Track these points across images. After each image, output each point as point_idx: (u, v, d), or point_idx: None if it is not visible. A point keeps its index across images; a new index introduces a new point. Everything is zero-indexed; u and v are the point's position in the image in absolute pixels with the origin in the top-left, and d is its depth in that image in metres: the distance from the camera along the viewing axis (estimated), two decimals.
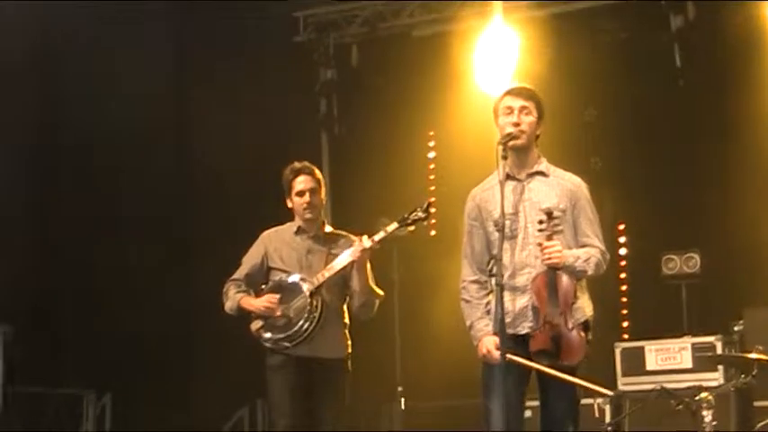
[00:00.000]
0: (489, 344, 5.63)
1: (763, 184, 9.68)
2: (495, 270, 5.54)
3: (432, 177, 11.37)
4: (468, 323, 5.81)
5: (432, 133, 11.40)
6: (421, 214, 6.72)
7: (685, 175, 10.17)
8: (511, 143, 5.69)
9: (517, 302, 5.65)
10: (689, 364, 8.83)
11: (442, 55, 10.91)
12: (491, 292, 5.69)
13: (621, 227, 10.28)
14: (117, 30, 10.14)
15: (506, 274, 5.61)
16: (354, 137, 11.60)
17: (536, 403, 5.75)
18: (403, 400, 9.97)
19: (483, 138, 9.22)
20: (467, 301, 5.83)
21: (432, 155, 11.44)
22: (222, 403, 10.87)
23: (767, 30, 9.86)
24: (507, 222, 5.63)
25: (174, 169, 11.00)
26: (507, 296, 5.56)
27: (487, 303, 5.75)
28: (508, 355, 5.35)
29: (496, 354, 5.50)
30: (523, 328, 5.64)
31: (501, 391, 5.39)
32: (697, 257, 9.72)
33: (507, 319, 5.47)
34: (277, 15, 11.31)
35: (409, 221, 6.71)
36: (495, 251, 5.59)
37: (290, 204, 6.95)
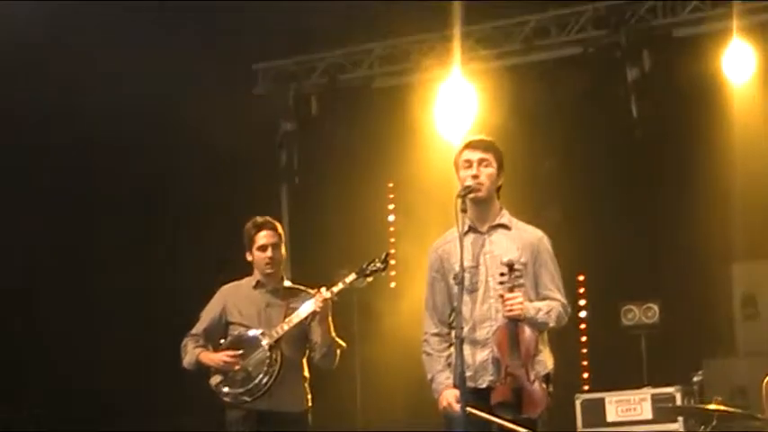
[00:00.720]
0: (450, 397, 5.61)
1: (720, 233, 9.75)
2: (455, 323, 5.53)
3: (392, 229, 11.37)
4: (429, 376, 5.80)
5: (391, 185, 11.42)
6: (379, 265, 6.72)
7: (643, 225, 10.23)
8: (471, 195, 5.71)
9: (477, 356, 5.64)
10: (649, 415, 8.84)
11: (402, 106, 10.97)
12: (452, 344, 5.67)
13: (581, 278, 10.30)
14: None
15: (467, 327, 5.60)
16: (314, 188, 11.59)
17: None
18: None
19: (443, 189, 9.29)
20: (428, 354, 5.82)
21: (391, 206, 11.45)
22: None
23: (721, 80, 10.01)
24: (468, 275, 5.63)
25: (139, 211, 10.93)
26: (468, 349, 5.55)
27: (449, 356, 5.73)
28: (468, 409, 5.32)
29: (456, 406, 5.48)
30: (484, 382, 5.63)
31: None
32: (656, 308, 9.77)
33: (468, 373, 5.46)
34: (236, 67, 11.31)
35: (368, 272, 6.71)
36: (455, 304, 5.58)
37: (249, 258, 6.92)
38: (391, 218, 11.42)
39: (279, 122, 11.94)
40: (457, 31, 10.62)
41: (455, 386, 5.53)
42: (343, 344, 6.86)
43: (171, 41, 10.01)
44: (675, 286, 9.94)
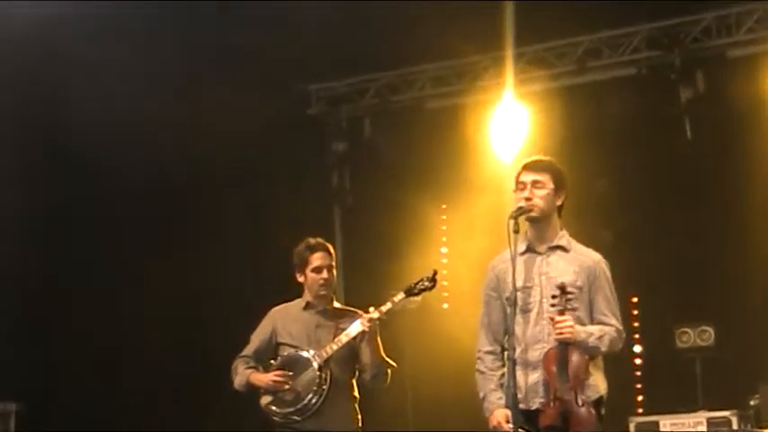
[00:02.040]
0: (500, 416, 5.59)
1: None
2: (507, 344, 5.51)
3: (444, 251, 11.36)
4: (481, 394, 5.77)
5: (444, 206, 11.41)
6: (427, 284, 6.71)
7: (699, 247, 10.14)
8: (525, 216, 5.70)
9: (529, 377, 5.61)
10: None
11: (455, 127, 10.98)
12: (506, 364, 5.65)
13: (635, 299, 10.23)
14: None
15: (519, 349, 5.58)
16: (367, 210, 11.61)
17: None
18: None
19: (496, 211, 9.31)
20: (481, 372, 5.80)
21: (444, 227, 11.44)
22: None
23: None
24: (522, 296, 5.62)
25: (189, 236, 10.97)
26: (520, 370, 5.52)
27: (501, 375, 5.70)
28: (519, 429, 5.30)
29: (506, 427, 5.48)
30: (534, 404, 5.60)
31: None
32: (711, 331, 9.69)
33: (519, 395, 5.45)
34: (291, 88, 11.38)
35: (415, 291, 6.70)
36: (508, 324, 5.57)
37: (300, 279, 6.94)
38: (444, 239, 11.41)
39: (331, 143, 12.00)
40: (509, 52, 10.63)
41: (506, 406, 5.52)
42: (394, 364, 6.85)
43: (227, 60, 10.14)
44: (731, 309, 9.85)
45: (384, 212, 11.24)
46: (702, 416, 8.86)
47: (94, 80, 9.69)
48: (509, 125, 10.67)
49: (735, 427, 8.67)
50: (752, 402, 8.81)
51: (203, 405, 10.06)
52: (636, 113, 10.58)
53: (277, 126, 11.02)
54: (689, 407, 9.13)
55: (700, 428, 8.81)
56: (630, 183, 10.51)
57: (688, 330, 9.82)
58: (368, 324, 6.62)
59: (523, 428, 5.37)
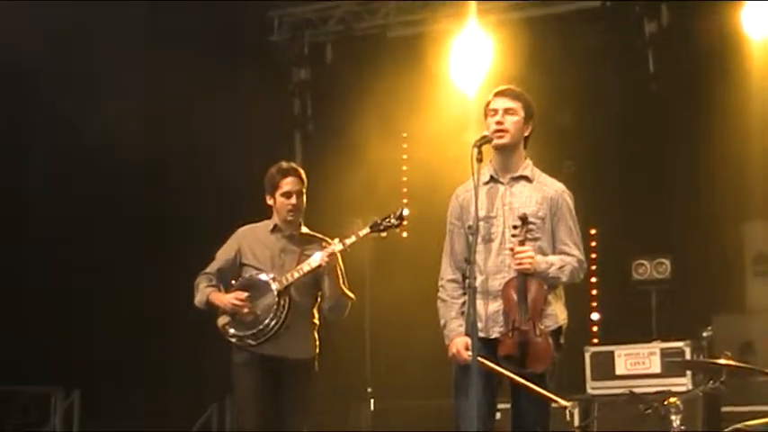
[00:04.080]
0: (460, 344, 5.64)
1: (734, 191, 9.73)
2: (468, 273, 5.54)
3: (404, 179, 11.37)
4: (442, 322, 5.81)
5: (405, 135, 11.40)
6: (394, 221, 6.70)
7: (657, 180, 10.21)
8: (495, 143, 5.70)
9: (489, 307, 5.65)
10: (658, 369, 8.87)
11: (417, 56, 10.93)
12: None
13: (593, 231, 10.30)
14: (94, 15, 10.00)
15: (480, 278, 5.61)
16: (328, 136, 11.58)
17: (507, 406, 5.75)
18: (372, 401, 9.96)
19: (457, 139, 9.31)
20: (443, 300, 5.83)
21: (405, 156, 11.44)
22: (193, 401, 10.84)
23: (740, 34, 9.93)
24: (485, 225, 5.64)
25: (148, 165, 10.90)
26: (480, 300, 5.56)
27: (463, 304, 5.74)
28: (479, 359, 5.34)
29: (465, 354, 5.53)
30: (494, 333, 5.64)
31: (472, 392, 5.37)
32: (667, 263, 9.79)
33: (479, 323, 5.48)
34: (252, 14, 11.26)
35: (382, 228, 6.70)
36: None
37: (270, 202, 6.89)
38: (404, 168, 11.41)
39: (293, 70, 11.92)
40: None
41: (467, 334, 5.56)
42: (352, 296, 6.86)
43: None
44: (687, 242, 9.94)
45: (345, 140, 11.19)
46: (656, 346, 8.96)
47: None
48: (472, 55, 10.62)
49: (688, 357, 8.79)
50: (705, 334, 8.92)
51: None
52: (600, 46, 10.58)
53: (238, 52, 10.95)
54: (644, 338, 9.23)
55: (653, 359, 8.91)
56: (592, 115, 10.53)
57: (644, 263, 9.92)
58: (326, 259, 6.62)
59: (482, 357, 5.40)
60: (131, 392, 10.39)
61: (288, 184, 6.83)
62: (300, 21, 11.84)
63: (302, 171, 6.92)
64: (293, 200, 6.82)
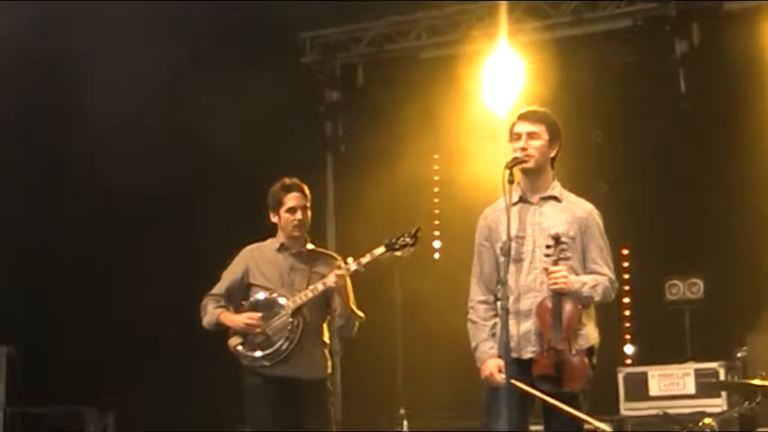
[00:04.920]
0: (492, 366, 5.63)
1: (766, 210, 9.68)
2: (500, 293, 5.55)
3: (436, 200, 11.37)
4: (473, 344, 5.81)
5: (436, 156, 11.41)
6: (408, 240, 6.69)
7: (689, 199, 10.17)
8: (519, 167, 5.72)
9: (521, 326, 5.65)
10: (692, 390, 8.84)
11: (449, 77, 10.94)
12: (498, 314, 5.68)
13: (625, 251, 10.27)
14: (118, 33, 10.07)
15: (512, 298, 5.61)
16: (359, 158, 11.59)
17: (540, 428, 5.74)
18: (405, 422, 9.93)
19: (487, 160, 9.31)
20: (473, 322, 5.83)
21: (437, 178, 11.45)
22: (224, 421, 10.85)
23: None
24: (515, 245, 5.65)
25: (179, 189, 10.97)
26: (512, 320, 5.55)
27: (494, 325, 5.75)
28: (512, 381, 5.34)
29: (499, 376, 5.53)
30: (527, 353, 5.64)
31: (505, 413, 5.37)
32: (700, 283, 9.75)
33: (512, 344, 5.49)
34: (283, 36, 11.32)
35: (396, 246, 6.68)
36: (502, 274, 5.59)
37: (274, 220, 6.87)
38: (436, 189, 11.42)
39: (324, 92, 11.96)
40: (504, 2, 10.58)
41: (499, 356, 5.56)
42: (362, 315, 6.82)
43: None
44: (720, 262, 9.89)
45: (377, 162, 11.21)
46: (690, 367, 8.94)
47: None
48: (503, 75, 10.64)
49: (722, 377, 8.74)
50: (739, 354, 8.88)
51: None
52: (631, 66, 10.56)
53: (270, 74, 10.99)
54: (678, 358, 9.19)
55: (687, 379, 8.87)
56: (624, 135, 10.52)
57: (677, 283, 9.88)
58: (334, 280, 6.59)
59: (516, 378, 5.40)
60: (162, 412, 10.41)
61: (292, 199, 6.82)
62: (332, 43, 11.89)
63: (305, 186, 6.90)
64: (298, 215, 6.80)
